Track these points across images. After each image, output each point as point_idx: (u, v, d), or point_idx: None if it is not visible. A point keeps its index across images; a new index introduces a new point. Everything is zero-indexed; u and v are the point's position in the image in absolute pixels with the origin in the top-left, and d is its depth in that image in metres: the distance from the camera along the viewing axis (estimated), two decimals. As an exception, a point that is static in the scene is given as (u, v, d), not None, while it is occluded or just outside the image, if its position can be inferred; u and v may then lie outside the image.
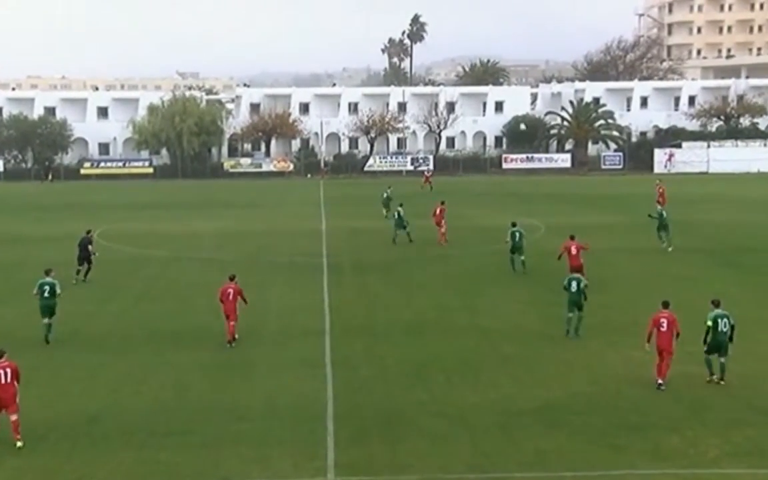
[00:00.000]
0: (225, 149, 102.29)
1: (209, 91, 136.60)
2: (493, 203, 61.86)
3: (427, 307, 28.26)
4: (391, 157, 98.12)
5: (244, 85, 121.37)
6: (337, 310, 27.60)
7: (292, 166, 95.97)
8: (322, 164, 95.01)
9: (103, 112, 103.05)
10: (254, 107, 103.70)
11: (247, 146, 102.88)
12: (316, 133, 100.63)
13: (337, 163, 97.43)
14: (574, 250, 30.48)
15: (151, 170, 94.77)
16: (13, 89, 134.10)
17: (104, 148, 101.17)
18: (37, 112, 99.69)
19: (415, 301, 29.21)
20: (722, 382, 19.88)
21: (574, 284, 24.58)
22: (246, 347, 23.42)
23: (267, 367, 21.72)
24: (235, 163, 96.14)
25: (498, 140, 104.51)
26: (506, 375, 20.81)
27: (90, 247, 33.87)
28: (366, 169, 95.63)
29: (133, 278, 33.79)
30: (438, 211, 42.49)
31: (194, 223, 52.12)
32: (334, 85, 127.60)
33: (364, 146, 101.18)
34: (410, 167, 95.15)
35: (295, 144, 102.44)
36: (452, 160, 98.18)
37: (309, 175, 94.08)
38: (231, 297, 24.03)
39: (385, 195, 54.76)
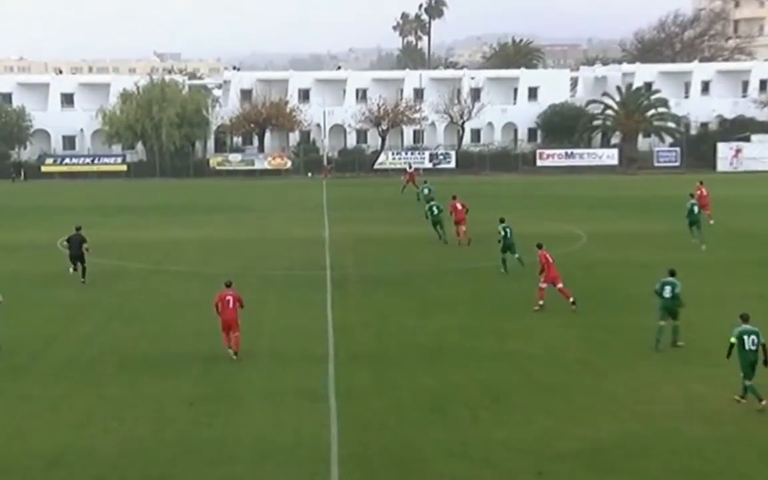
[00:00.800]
0: (211, 143, 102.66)
1: (192, 75, 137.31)
2: (525, 207, 61.70)
3: (447, 328, 28.21)
4: (406, 153, 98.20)
5: (234, 68, 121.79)
6: (342, 333, 27.59)
7: (289, 164, 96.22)
8: (325, 161, 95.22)
9: (67, 99, 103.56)
10: (245, 94, 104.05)
11: (237, 140, 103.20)
12: (318, 125, 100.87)
13: (342, 160, 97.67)
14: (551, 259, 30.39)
15: (124, 168, 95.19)
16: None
17: (69, 141, 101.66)
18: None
19: (434, 321, 29.16)
20: (742, 400, 20.31)
21: (668, 289, 24.54)
22: (235, 376, 23.43)
23: (259, 399, 21.72)
24: (223, 160, 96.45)
25: (531, 133, 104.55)
26: (541, 410, 20.73)
27: (84, 245, 36.42)
28: (376, 166, 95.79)
29: (103, 294, 33.88)
30: (459, 206, 44.48)
31: (175, 230, 52.26)
32: (339, 68, 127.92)
33: (374, 140, 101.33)
34: (428, 164, 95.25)
35: (294, 137, 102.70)
36: (477, 157, 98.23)
37: (310, 174, 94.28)
38: (231, 305, 24.97)
39: (426, 191, 56.28)
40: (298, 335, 27.49)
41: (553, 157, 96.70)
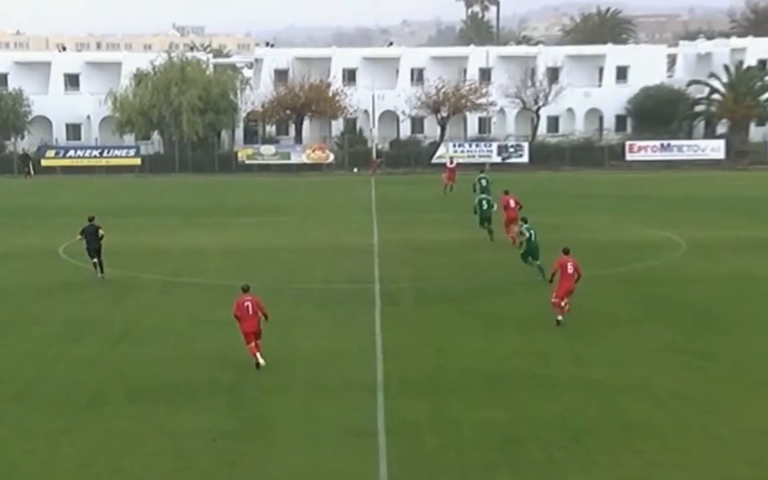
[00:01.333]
0: (240, 133, 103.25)
1: (218, 53, 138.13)
2: (612, 210, 61.37)
3: (516, 352, 28.14)
4: (470, 145, 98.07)
5: (267, 44, 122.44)
6: (393, 357, 27.62)
7: (331, 157, 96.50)
8: (374, 154, 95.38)
9: (72, 81, 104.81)
10: (280, 75, 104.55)
11: (271, 129, 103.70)
12: (366, 112, 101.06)
13: (394, 153, 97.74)
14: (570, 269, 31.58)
15: (138, 162, 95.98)
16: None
17: (74, 130, 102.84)
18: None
19: (501, 344, 29.11)
20: None
21: None
22: (266, 407, 23.55)
23: (295, 435, 21.81)
24: (254, 153, 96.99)
25: (620, 121, 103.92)
26: (629, 451, 20.60)
27: (100, 231, 40.07)
28: (435, 160, 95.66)
29: (112, 310, 34.24)
30: (513, 203, 46.82)
31: (197, 235, 52.65)
32: (391, 44, 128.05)
33: (431, 129, 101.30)
34: (496, 159, 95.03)
35: (337, 126, 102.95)
36: (555, 149, 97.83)
37: (355, 169, 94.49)
38: (250, 311, 26.81)
39: (484, 182, 57.66)
40: (341, 360, 27.56)
41: (645, 150, 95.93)
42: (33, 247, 48.21)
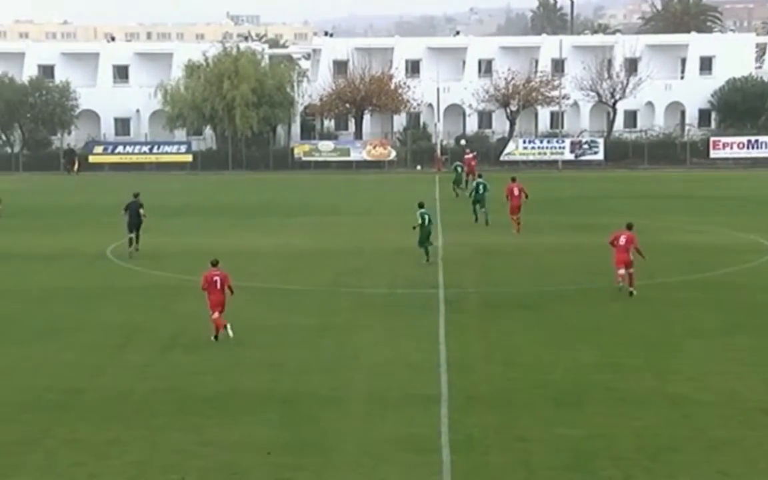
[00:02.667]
0: (296, 128, 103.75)
1: (274, 43, 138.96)
2: (694, 211, 60.96)
3: (591, 364, 27.97)
4: (541, 141, 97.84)
5: (325, 33, 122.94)
6: (458, 368, 27.56)
7: (393, 154, 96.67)
8: (439, 151, 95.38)
9: (121, 72, 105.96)
10: (339, 66, 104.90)
11: (329, 124, 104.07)
12: (430, 105, 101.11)
13: (460, 149, 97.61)
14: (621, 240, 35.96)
15: (189, 158, 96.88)
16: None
17: (123, 125, 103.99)
18: (29, 72, 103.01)
19: (573, 355, 28.94)
20: None
21: None
22: (323, 420, 23.58)
23: (353, 450, 21.83)
24: (311, 149, 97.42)
25: (704, 115, 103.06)
26: (714, 471, 20.39)
27: (141, 210, 45.70)
28: (503, 157, 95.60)
29: (161, 316, 34.52)
30: (516, 191, 52.04)
31: (250, 236, 52.93)
32: (458, 33, 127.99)
33: (500, 124, 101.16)
34: (569, 156, 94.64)
35: (399, 121, 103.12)
36: (632, 146, 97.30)
37: (419, 167, 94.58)
38: (218, 286, 30.06)
39: (459, 169, 70.88)
40: (403, 370, 27.55)
41: (731, 147, 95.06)
42: (79, 248, 48.75)
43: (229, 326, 30.12)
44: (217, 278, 30.30)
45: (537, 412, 23.99)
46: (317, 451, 21.72)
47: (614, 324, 32.63)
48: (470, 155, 76.31)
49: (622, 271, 35.76)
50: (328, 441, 22.31)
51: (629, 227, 36.56)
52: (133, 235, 45.61)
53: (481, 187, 55.19)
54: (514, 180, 53.73)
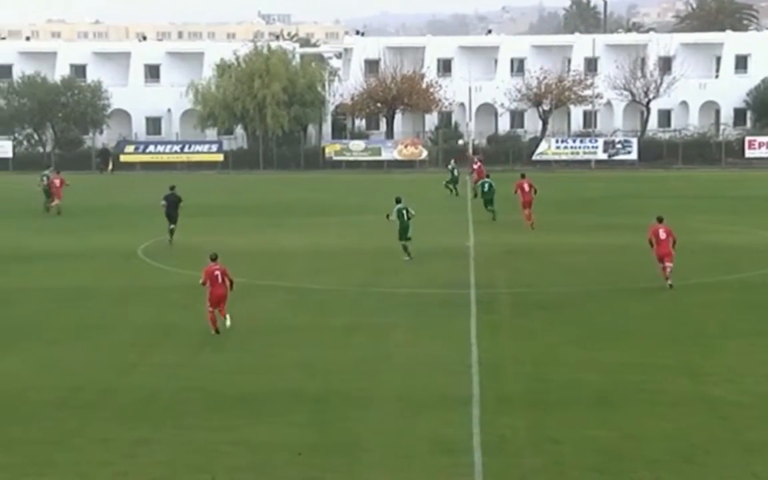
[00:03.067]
0: (328, 128, 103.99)
1: (305, 42, 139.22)
2: (730, 211, 60.60)
3: (624, 364, 27.86)
4: (574, 141, 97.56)
5: (357, 32, 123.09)
6: (489, 368, 27.52)
7: (425, 153, 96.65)
8: (471, 150, 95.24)
9: (152, 72, 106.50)
10: (371, 66, 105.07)
11: (360, 123, 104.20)
12: (462, 104, 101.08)
13: (492, 149, 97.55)
14: (662, 235, 37.14)
15: (220, 157, 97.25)
16: (28, 39, 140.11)
17: (154, 124, 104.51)
18: (61, 71, 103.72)
19: (607, 356, 28.84)
20: None
21: None
22: (354, 421, 23.58)
23: (384, 451, 21.81)
24: (342, 149, 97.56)
25: (739, 115, 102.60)
26: (749, 474, 20.26)
27: (181, 204, 49.53)
28: (536, 157, 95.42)
29: (191, 316, 34.56)
30: (527, 187, 53.45)
31: (281, 235, 53.06)
32: (490, 32, 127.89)
33: (533, 124, 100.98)
34: (602, 155, 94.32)
35: (431, 120, 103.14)
36: (666, 146, 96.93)
37: (450, 166, 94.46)
38: (220, 279, 31.20)
39: (456, 172, 71.77)
40: (434, 370, 27.52)
41: (767, 147, 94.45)
42: (111, 247, 48.98)
43: (228, 316, 31.46)
44: (218, 272, 31.48)
45: (569, 413, 23.92)
46: (347, 452, 21.72)
47: (646, 324, 32.49)
48: (477, 165, 75.90)
49: (667, 264, 36.91)
50: (358, 442, 22.31)
51: (660, 220, 37.79)
52: (173, 227, 49.33)
53: (486, 186, 58.19)
54: (523, 176, 55.56)
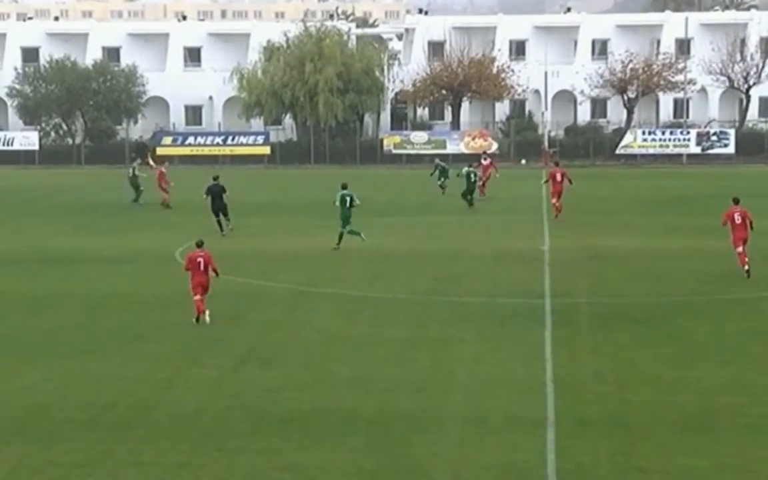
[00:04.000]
0: (386, 117, 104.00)
1: (362, 22, 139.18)
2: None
3: (720, 386, 27.68)
4: (663, 132, 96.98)
5: (420, 11, 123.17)
6: (567, 387, 27.44)
7: (495, 146, 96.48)
8: (546, 143, 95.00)
9: (192, 55, 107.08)
10: (435, 48, 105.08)
11: (423, 112, 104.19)
12: (537, 92, 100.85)
13: (570, 142, 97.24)
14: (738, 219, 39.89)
15: (267, 150, 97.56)
16: (56, 19, 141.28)
17: (194, 113, 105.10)
18: (92, 55, 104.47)
19: (700, 375, 28.66)
20: None
21: None
22: (414, 444, 23.60)
23: (449, 478, 21.82)
24: (403, 141, 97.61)
25: None
26: None
27: (225, 194, 52.30)
28: (619, 150, 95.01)
29: (235, 325, 34.76)
30: (559, 176, 56.88)
31: (334, 237, 53.15)
32: (569, 10, 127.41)
33: (616, 113, 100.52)
34: (695, 149, 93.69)
35: (501, 109, 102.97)
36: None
37: (523, 161, 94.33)
38: (201, 267, 33.57)
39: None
40: (504, 389, 27.49)
41: None
42: (146, 250, 49.32)
43: (207, 313, 33.70)
44: (200, 259, 33.73)
45: (657, 438, 23.79)
46: (408, 478, 21.74)
47: (746, 340, 32.22)
48: (487, 162, 75.38)
49: (740, 249, 39.50)
50: (419, 468, 22.32)
51: (736, 202, 40.33)
52: (219, 219, 52.28)
53: (472, 175, 64.48)
54: (557, 165, 61.97)
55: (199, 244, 34.46)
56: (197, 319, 33.77)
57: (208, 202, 53.15)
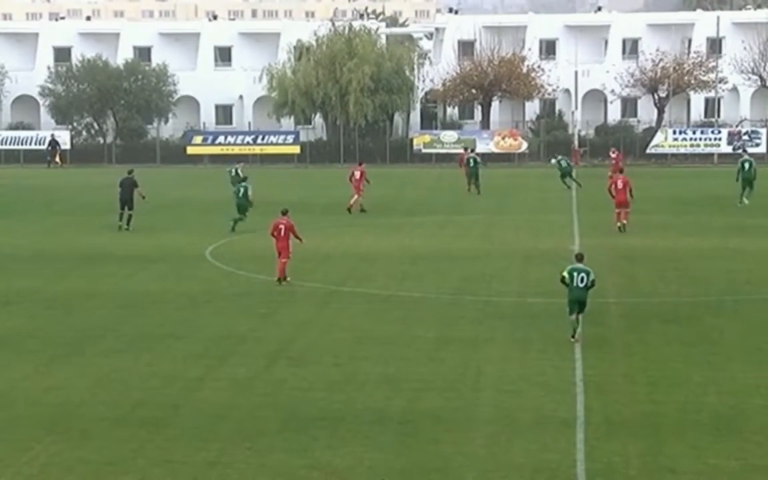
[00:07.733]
0: (416, 116, 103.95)
1: (392, 21, 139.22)
2: None
3: (752, 387, 27.56)
4: (694, 132, 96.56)
5: (450, 10, 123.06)
6: (597, 388, 27.39)
7: (525, 145, 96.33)
8: (576, 142, 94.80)
9: (223, 54, 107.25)
10: (465, 47, 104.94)
11: (453, 112, 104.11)
12: (567, 91, 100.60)
13: (600, 141, 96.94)
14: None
15: (297, 149, 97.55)
16: (88, 19, 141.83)
17: (224, 112, 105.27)
18: (123, 54, 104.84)
19: (732, 376, 28.54)
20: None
21: None
22: (444, 442, 23.57)
23: (479, 477, 21.78)
24: (433, 140, 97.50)
25: None
26: None
27: (137, 189, 54.46)
28: (650, 150, 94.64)
29: (265, 324, 34.82)
30: (621, 184, 53.12)
31: (365, 236, 53.18)
32: (599, 9, 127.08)
33: (647, 112, 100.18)
34: (726, 148, 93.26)
35: (532, 108, 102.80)
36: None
37: (553, 160, 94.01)
38: (282, 233, 38.77)
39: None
40: (534, 389, 27.47)
41: None
42: (176, 249, 49.41)
43: (288, 277, 39.37)
44: (282, 226, 39.19)
45: (687, 439, 23.71)
46: (437, 479, 21.72)
47: (777, 340, 32.14)
48: (615, 154, 75.62)
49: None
50: (449, 468, 22.31)
51: (621, 171, 43.80)
52: (123, 212, 54.50)
53: (472, 161, 70.03)
54: (621, 171, 60.52)
55: (284, 212, 39.85)
56: (279, 280, 39.30)
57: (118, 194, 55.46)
